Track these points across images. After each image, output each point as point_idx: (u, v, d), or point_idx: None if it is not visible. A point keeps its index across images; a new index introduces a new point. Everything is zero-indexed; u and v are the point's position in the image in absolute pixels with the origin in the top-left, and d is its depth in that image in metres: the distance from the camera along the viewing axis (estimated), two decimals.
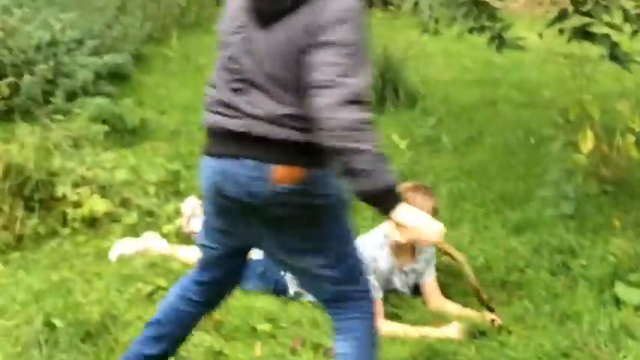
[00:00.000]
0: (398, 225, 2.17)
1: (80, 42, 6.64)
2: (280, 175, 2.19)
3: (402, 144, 5.11)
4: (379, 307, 3.25)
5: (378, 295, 3.26)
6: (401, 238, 3.24)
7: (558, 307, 3.29)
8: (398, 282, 3.56)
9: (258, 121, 2.18)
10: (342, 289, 2.40)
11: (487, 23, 3.74)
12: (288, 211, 2.27)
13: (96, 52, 6.75)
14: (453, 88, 7.22)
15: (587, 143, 4.05)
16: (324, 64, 2.08)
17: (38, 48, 5.96)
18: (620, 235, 3.82)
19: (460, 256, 3.16)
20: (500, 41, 3.79)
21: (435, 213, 3.53)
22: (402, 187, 3.55)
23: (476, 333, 3.17)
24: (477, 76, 7.62)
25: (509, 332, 3.18)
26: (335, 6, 2.12)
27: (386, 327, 3.20)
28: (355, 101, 2.04)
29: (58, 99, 5.84)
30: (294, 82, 2.16)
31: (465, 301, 3.51)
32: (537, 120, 5.92)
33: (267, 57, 2.19)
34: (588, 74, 5.09)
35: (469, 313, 3.38)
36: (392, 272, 3.51)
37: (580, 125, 4.19)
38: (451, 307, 3.45)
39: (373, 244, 3.48)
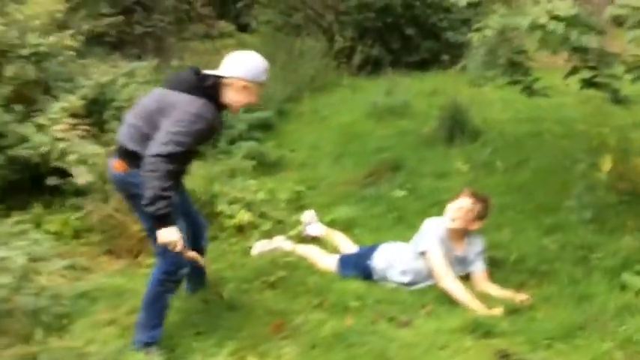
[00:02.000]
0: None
1: None
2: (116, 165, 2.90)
3: (464, 168, 4.99)
4: (446, 260, 3.34)
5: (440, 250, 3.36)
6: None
7: (577, 291, 3.14)
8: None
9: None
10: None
11: (520, 78, 3.60)
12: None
13: (249, 110, 6.98)
14: (507, 125, 6.94)
15: (606, 164, 3.88)
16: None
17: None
18: (630, 234, 3.57)
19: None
20: (530, 91, 3.64)
21: (480, 217, 3.44)
22: (466, 189, 3.53)
23: (511, 310, 3.05)
24: (527, 115, 7.27)
25: (538, 310, 3.05)
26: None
27: (454, 285, 3.20)
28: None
29: (223, 143, 6.09)
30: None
31: (505, 285, 3.38)
32: (572, 147, 5.60)
33: None
34: (607, 111, 4.78)
35: (506, 294, 3.25)
36: (446, 252, 3.42)
37: (601, 151, 4.02)
38: (492, 289, 3.33)
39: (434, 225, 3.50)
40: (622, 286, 3.08)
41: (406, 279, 3.47)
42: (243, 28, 12.00)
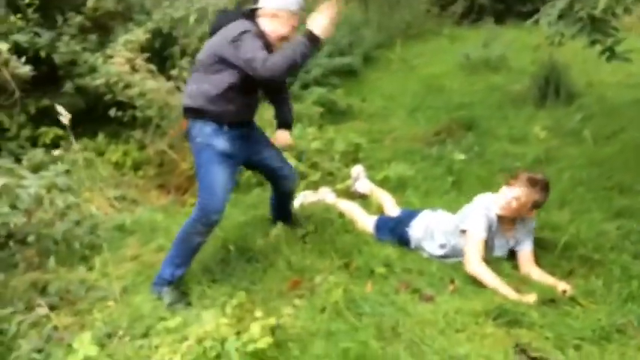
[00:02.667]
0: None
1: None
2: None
3: (542, 134, 4.51)
4: (481, 246, 2.99)
5: (482, 235, 3.02)
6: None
7: (627, 288, 2.69)
8: (497, 243, 3.15)
9: None
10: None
11: (599, 37, 3.09)
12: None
13: (331, 55, 6.75)
14: (611, 89, 6.19)
15: None
16: None
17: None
18: None
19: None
20: (610, 54, 3.12)
21: (536, 206, 3.05)
22: (522, 172, 3.15)
23: (546, 299, 2.71)
24: (639, 80, 6.45)
25: (577, 304, 2.68)
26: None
27: (480, 269, 2.88)
28: None
29: (296, 87, 5.95)
30: None
31: (551, 271, 3.02)
32: None
33: None
34: None
35: (548, 280, 2.89)
36: (495, 233, 3.11)
37: None
38: (536, 273, 2.98)
39: (484, 207, 3.13)
40: None
41: (442, 252, 3.20)
42: None
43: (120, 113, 4.47)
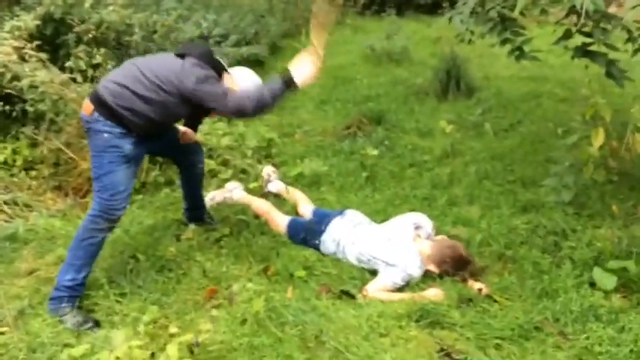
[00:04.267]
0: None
1: (225, 37, 6.38)
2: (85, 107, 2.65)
3: (448, 128, 4.55)
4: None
5: (397, 286, 2.86)
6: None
7: (540, 283, 2.75)
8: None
9: None
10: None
11: (509, 36, 3.09)
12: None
13: (238, 44, 6.47)
14: (507, 83, 6.43)
15: (598, 139, 3.39)
16: None
17: (191, 41, 5.74)
18: (611, 222, 3.16)
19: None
20: (520, 53, 3.14)
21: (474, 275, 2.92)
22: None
23: (464, 299, 2.70)
24: (531, 73, 6.73)
25: (494, 301, 2.69)
26: None
27: (379, 294, 2.79)
28: None
29: None
30: None
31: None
32: (570, 114, 5.11)
33: None
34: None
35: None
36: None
37: (597, 122, 3.53)
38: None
39: (409, 259, 2.91)
40: (591, 284, 2.70)
41: (357, 264, 3.07)
42: None
43: (8, 107, 3.98)
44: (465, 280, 2.84)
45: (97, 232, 2.64)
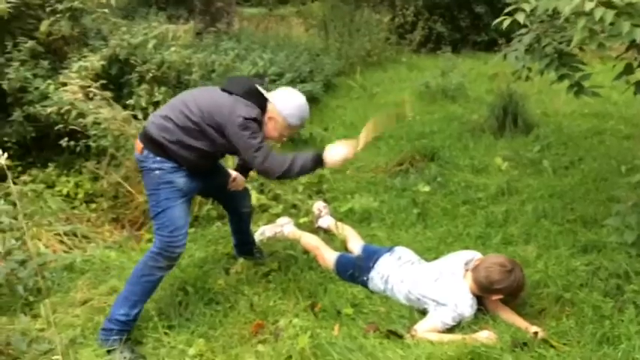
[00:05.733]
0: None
1: (281, 75, 6.51)
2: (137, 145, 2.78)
3: (503, 165, 4.44)
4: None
5: (447, 326, 2.77)
6: None
7: (601, 329, 2.58)
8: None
9: None
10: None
11: (568, 72, 3.01)
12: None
13: (292, 82, 6.59)
14: (568, 119, 6.25)
15: None
16: None
17: (236, 76, 5.87)
18: None
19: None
20: (578, 89, 3.05)
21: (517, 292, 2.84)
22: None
23: (518, 343, 2.57)
24: (594, 109, 6.53)
25: (551, 346, 2.55)
26: None
27: (429, 335, 2.70)
28: None
29: None
30: None
31: (521, 310, 2.89)
32: (634, 151, 4.91)
33: None
34: None
35: (516, 321, 2.76)
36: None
37: None
38: (504, 314, 2.83)
39: (459, 297, 2.81)
40: None
41: (406, 303, 3.00)
42: None
43: (72, 143, 4.18)
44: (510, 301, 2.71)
45: (156, 269, 2.68)
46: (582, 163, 4.86)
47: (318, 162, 2.76)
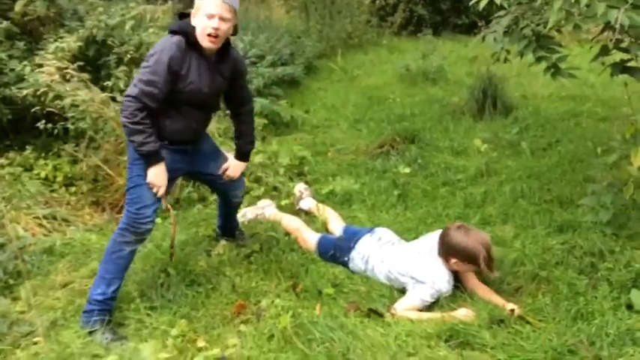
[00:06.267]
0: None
1: (261, 57, 6.48)
2: None
3: (482, 147, 4.49)
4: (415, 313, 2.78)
5: (426, 303, 2.81)
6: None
7: (576, 305, 2.65)
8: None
9: None
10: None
11: (545, 54, 3.05)
12: None
13: (273, 65, 6.56)
14: (545, 102, 6.33)
15: (639, 158, 3.28)
16: None
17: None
18: None
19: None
20: (555, 70, 3.09)
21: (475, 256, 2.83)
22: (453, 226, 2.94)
23: (495, 320, 2.63)
24: (571, 92, 6.62)
25: (527, 322, 2.61)
26: None
27: (407, 313, 2.75)
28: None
29: None
30: None
31: (499, 288, 2.94)
32: (610, 133, 4.99)
33: None
34: None
35: (493, 298, 2.82)
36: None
37: (635, 141, 3.42)
38: (481, 291, 2.88)
39: (437, 273, 2.85)
40: (629, 306, 2.60)
41: (386, 282, 3.04)
42: None
43: (50, 125, 4.12)
44: (480, 273, 2.74)
45: (124, 245, 2.67)
46: (559, 144, 4.94)
47: (151, 157, 2.60)
